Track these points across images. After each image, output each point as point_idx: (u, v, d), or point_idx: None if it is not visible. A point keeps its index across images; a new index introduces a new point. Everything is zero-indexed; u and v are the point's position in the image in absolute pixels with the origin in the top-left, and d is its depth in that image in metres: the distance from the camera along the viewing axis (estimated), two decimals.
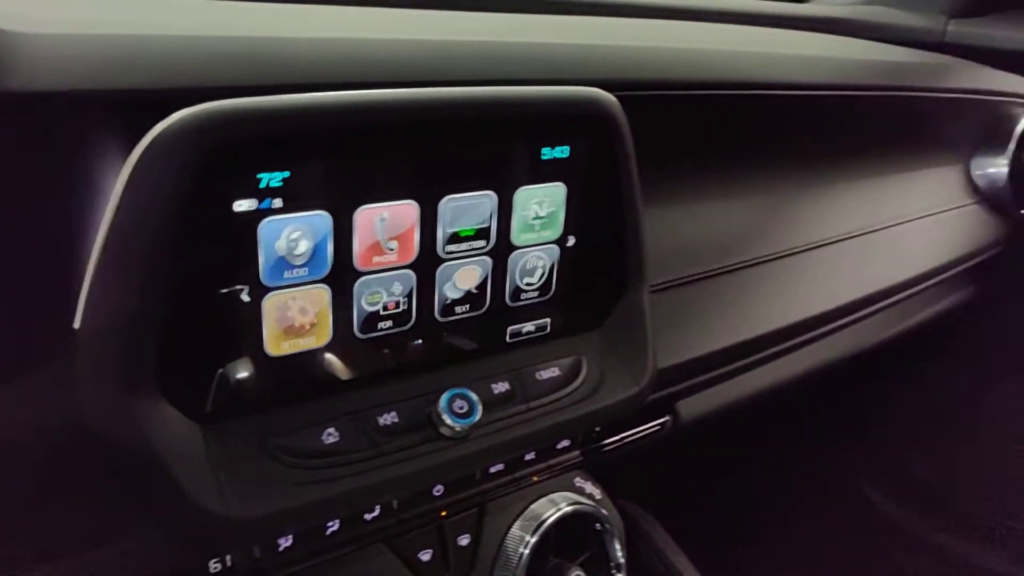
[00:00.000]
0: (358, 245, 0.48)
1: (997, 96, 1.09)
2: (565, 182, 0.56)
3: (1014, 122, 1.08)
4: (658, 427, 0.76)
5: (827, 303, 0.87)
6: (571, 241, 0.59)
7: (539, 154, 0.54)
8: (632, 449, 0.74)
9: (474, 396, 0.53)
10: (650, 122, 0.62)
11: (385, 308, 0.51)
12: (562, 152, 0.55)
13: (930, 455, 1.52)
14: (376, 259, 0.49)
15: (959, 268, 1.08)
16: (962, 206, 1.07)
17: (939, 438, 1.51)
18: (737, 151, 0.82)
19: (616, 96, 0.57)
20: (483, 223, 0.53)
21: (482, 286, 0.55)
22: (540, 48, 0.65)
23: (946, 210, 1.05)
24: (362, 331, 0.51)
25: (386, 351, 0.52)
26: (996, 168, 1.09)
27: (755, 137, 0.83)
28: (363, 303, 0.50)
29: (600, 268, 0.61)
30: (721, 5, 1.09)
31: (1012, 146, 1.08)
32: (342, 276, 0.48)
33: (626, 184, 0.59)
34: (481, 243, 0.54)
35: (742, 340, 0.77)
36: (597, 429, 0.70)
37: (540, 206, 0.56)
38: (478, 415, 0.52)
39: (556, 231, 0.57)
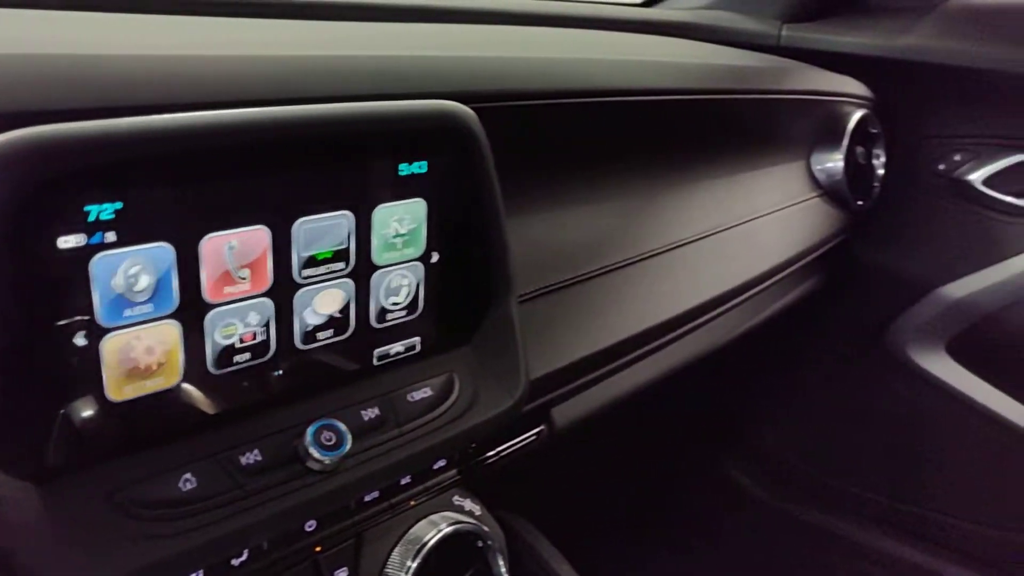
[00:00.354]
0: (207, 276, 0.45)
1: (830, 96, 1.16)
2: (425, 198, 0.55)
3: (847, 120, 1.15)
4: (534, 437, 0.76)
5: (690, 300, 0.90)
6: (435, 257, 0.57)
7: (396, 170, 0.53)
8: (509, 461, 0.74)
9: (342, 426, 0.50)
10: (508, 132, 0.61)
11: (241, 340, 0.48)
12: (420, 167, 0.54)
13: (791, 436, 1.60)
14: (228, 289, 0.46)
15: (808, 258, 1.14)
16: (806, 200, 1.14)
17: (798, 419, 1.60)
18: (597, 157, 0.83)
19: (473, 108, 0.56)
20: (341, 244, 0.51)
21: (345, 309, 0.53)
22: (393, 61, 0.63)
23: (792, 204, 1.10)
24: (217, 366, 0.47)
25: (245, 385, 0.49)
26: (833, 163, 1.16)
27: (614, 142, 0.85)
28: (216, 337, 0.47)
29: (466, 282, 0.60)
30: (570, 11, 1.11)
31: (846, 142, 1.15)
32: (191, 310, 0.45)
33: (487, 196, 0.58)
34: (340, 265, 0.51)
35: (612, 343, 0.78)
36: (473, 445, 0.69)
37: (400, 223, 0.54)
38: (348, 445, 0.50)
39: (419, 248, 0.56)
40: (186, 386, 0.46)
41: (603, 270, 0.80)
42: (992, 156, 1.26)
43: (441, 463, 0.65)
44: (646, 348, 0.85)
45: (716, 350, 1.08)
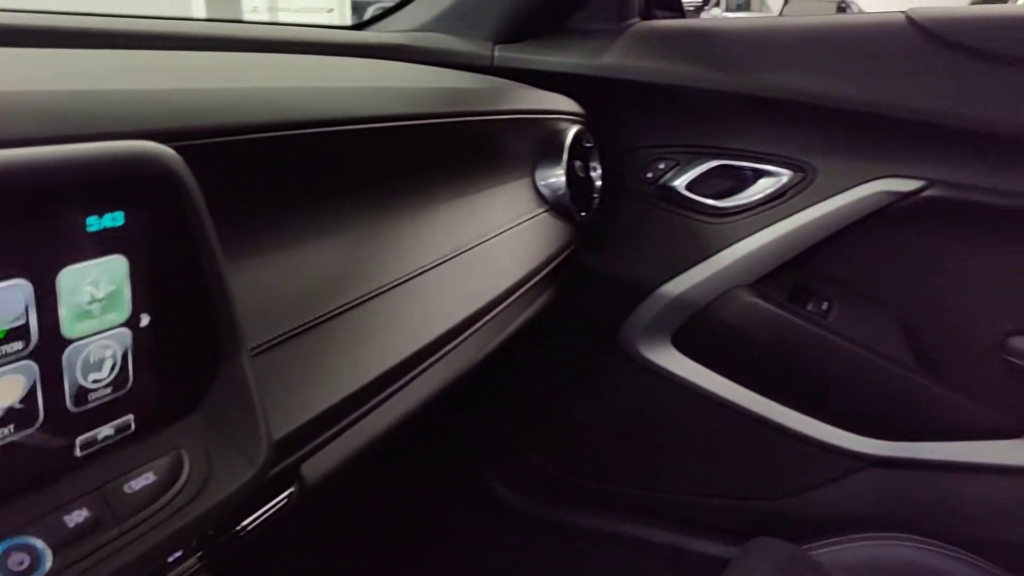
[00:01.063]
0: None
1: (546, 114, 1.21)
2: (125, 254, 0.47)
3: (563, 136, 1.20)
4: (284, 500, 0.69)
5: (438, 327, 0.88)
6: (145, 320, 0.49)
7: (84, 225, 0.44)
8: (259, 531, 0.66)
9: (38, 542, 0.41)
10: (220, 170, 0.55)
11: None
12: (115, 220, 0.46)
13: (546, 444, 1.65)
14: None
15: (544, 272, 1.17)
16: (535, 216, 1.17)
17: (551, 426, 1.65)
18: (325, 189, 0.78)
19: (175, 147, 0.49)
20: (17, 320, 0.42)
21: (29, 397, 0.43)
22: (74, 97, 0.54)
23: (523, 221, 1.12)
24: None
25: None
26: (556, 178, 1.20)
27: (340, 173, 0.81)
28: None
29: (187, 343, 0.53)
30: (277, 35, 1.05)
31: (565, 157, 1.20)
32: None
33: (200, 244, 0.51)
34: (18, 345, 0.42)
35: (362, 384, 0.74)
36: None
37: (96, 286, 0.46)
38: (48, 564, 0.41)
39: (123, 312, 0.48)
40: None
41: (344, 308, 0.75)
42: (690, 163, 1.39)
43: (177, 553, 0.57)
44: (398, 383, 0.82)
45: (468, 372, 1.07)
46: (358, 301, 0.77)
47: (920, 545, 1.16)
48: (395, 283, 0.83)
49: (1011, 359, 1.35)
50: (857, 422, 1.42)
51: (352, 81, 0.92)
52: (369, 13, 1.46)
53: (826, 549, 1.16)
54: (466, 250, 0.97)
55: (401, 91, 0.94)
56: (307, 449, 0.69)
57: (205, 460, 0.52)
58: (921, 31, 1.22)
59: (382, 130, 0.83)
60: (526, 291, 1.12)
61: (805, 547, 1.14)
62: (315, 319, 0.71)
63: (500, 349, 1.16)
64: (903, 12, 1.24)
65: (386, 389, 0.80)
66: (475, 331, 0.98)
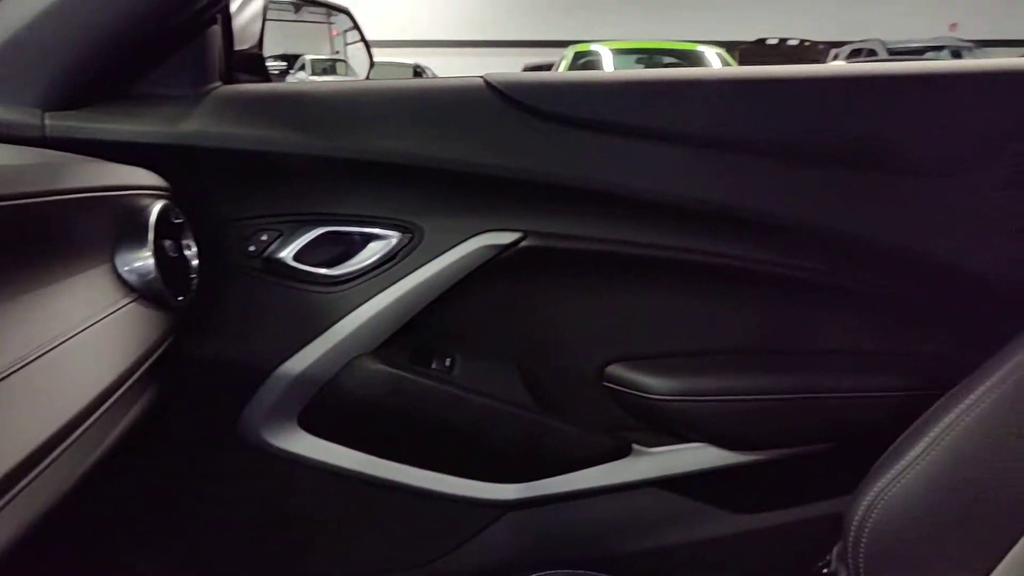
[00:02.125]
0: None
1: (121, 190, 1.04)
2: None
3: (147, 213, 1.04)
4: None
5: (2, 464, 0.69)
6: None
7: None
8: None
9: None
10: None
11: None
12: None
13: (168, 561, 1.44)
14: None
15: (140, 370, 1.01)
16: (120, 307, 0.99)
17: (173, 539, 1.45)
18: None
19: None
20: None
21: None
22: None
23: (105, 316, 0.95)
24: None
25: None
26: (142, 262, 1.03)
27: None
28: None
29: None
30: None
31: (151, 237, 1.04)
32: None
33: None
34: None
35: None
36: None
37: None
38: None
39: None
40: None
41: None
42: (295, 232, 1.31)
43: None
44: None
45: (56, 505, 0.86)
46: None
47: None
48: None
49: (609, 385, 1.50)
50: (491, 471, 1.46)
51: None
52: None
53: None
54: (32, 360, 0.78)
55: None
56: None
57: None
58: (498, 94, 1.30)
59: None
60: (119, 397, 0.95)
61: None
62: None
63: (95, 468, 0.97)
64: (482, 76, 1.31)
65: None
66: (56, 458, 0.79)
